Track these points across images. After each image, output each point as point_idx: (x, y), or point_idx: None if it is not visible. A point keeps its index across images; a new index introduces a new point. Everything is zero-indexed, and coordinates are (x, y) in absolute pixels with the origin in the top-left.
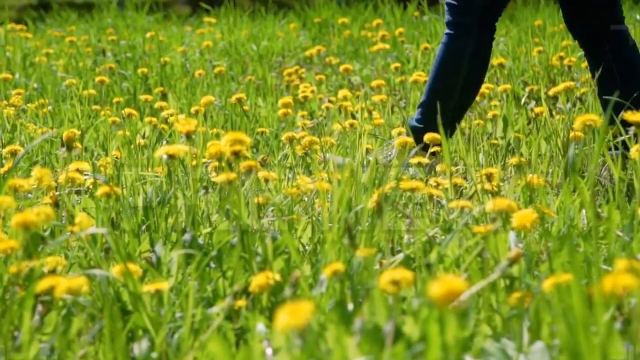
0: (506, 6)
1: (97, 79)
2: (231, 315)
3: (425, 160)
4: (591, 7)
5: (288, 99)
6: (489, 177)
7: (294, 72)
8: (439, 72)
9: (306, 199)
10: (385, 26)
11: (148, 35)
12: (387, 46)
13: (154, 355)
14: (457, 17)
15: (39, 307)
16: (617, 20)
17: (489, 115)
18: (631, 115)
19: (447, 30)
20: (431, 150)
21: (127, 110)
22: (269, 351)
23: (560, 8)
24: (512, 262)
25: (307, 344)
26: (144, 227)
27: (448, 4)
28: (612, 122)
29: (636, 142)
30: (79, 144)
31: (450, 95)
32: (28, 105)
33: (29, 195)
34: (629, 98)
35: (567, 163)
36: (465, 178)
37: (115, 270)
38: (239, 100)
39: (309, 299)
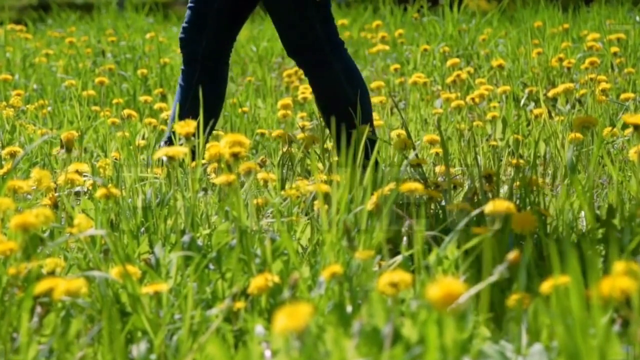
0: None
1: (97, 80)
2: (230, 317)
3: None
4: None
5: (287, 100)
6: (488, 179)
7: (293, 74)
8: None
9: (305, 200)
10: (384, 27)
11: (148, 36)
12: (387, 47)
13: (153, 356)
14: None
15: (38, 309)
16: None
17: (489, 116)
18: (630, 117)
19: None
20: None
21: (126, 111)
22: (267, 353)
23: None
24: (511, 264)
25: (306, 346)
26: (143, 229)
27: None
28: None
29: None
30: (78, 145)
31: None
32: (28, 106)
33: (28, 196)
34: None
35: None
36: (464, 179)
37: (114, 271)
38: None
39: (308, 301)
